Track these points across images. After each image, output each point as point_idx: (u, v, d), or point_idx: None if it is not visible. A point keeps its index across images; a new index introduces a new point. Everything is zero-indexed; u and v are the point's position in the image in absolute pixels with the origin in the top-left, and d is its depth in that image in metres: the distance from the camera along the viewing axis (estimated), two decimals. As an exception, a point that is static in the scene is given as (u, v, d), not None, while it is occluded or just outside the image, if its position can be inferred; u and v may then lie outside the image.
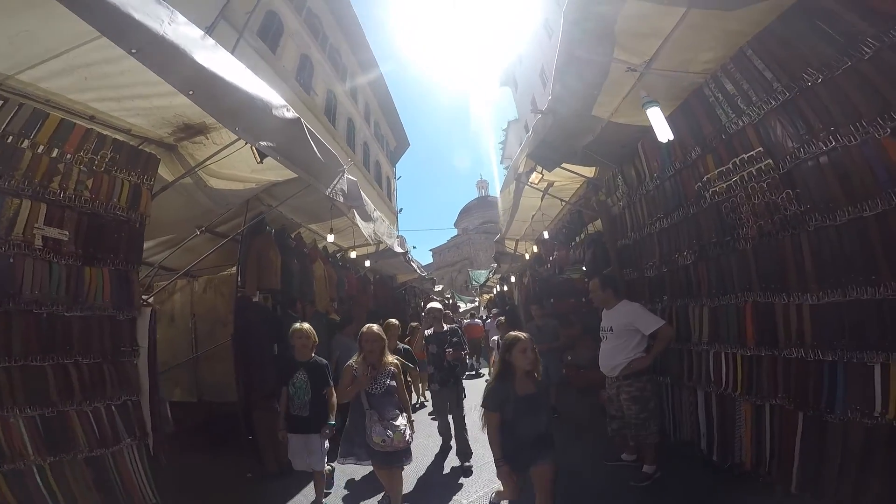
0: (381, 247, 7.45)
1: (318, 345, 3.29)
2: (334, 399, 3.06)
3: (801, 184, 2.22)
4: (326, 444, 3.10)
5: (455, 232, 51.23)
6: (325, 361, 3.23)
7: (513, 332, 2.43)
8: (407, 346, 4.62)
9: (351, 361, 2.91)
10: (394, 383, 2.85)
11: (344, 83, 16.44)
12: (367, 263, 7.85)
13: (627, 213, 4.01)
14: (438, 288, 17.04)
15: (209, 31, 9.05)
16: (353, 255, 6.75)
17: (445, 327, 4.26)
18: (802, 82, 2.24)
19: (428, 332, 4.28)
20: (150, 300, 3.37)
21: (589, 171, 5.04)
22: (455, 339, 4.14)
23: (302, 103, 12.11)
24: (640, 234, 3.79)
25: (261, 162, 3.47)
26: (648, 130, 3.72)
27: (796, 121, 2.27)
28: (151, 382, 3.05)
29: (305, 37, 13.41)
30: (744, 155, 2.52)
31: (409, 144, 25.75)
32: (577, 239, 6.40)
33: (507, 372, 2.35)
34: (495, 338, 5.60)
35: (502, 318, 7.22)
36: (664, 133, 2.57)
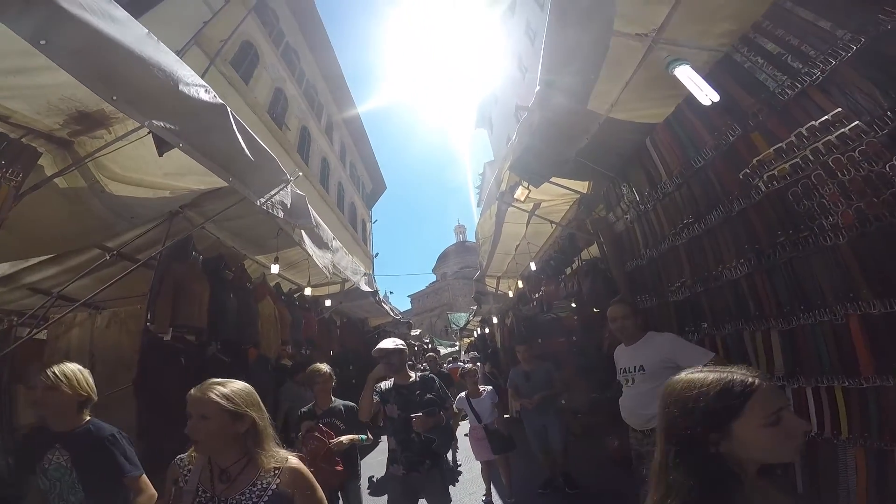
0: (348, 285, 6.64)
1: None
2: (144, 498, 1.76)
3: (922, 142, 1.55)
4: None
5: (433, 278, 50.52)
6: (109, 430, 1.87)
7: (717, 374, 0.91)
8: (349, 403, 3.07)
9: (184, 455, 1.45)
10: None
11: (319, 121, 16.10)
12: (328, 303, 6.88)
13: (637, 227, 3.29)
14: (416, 332, 15.95)
15: (180, 54, 8.55)
16: (307, 291, 5.78)
17: (413, 376, 2.80)
18: (880, 25, 1.70)
19: (385, 384, 2.78)
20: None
21: (581, 186, 4.39)
22: (429, 397, 2.68)
23: (273, 137, 11.57)
24: (657, 251, 3.02)
25: (161, 154, 2.68)
26: (653, 128, 3.18)
27: (889, 67, 1.67)
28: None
29: (281, 70, 13.10)
30: (813, 122, 1.86)
31: (386, 187, 25.42)
32: (569, 269, 5.67)
33: (719, 477, 0.86)
34: (463, 394, 4.36)
35: (469, 365, 5.95)
36: (705, 94, 1.91)
